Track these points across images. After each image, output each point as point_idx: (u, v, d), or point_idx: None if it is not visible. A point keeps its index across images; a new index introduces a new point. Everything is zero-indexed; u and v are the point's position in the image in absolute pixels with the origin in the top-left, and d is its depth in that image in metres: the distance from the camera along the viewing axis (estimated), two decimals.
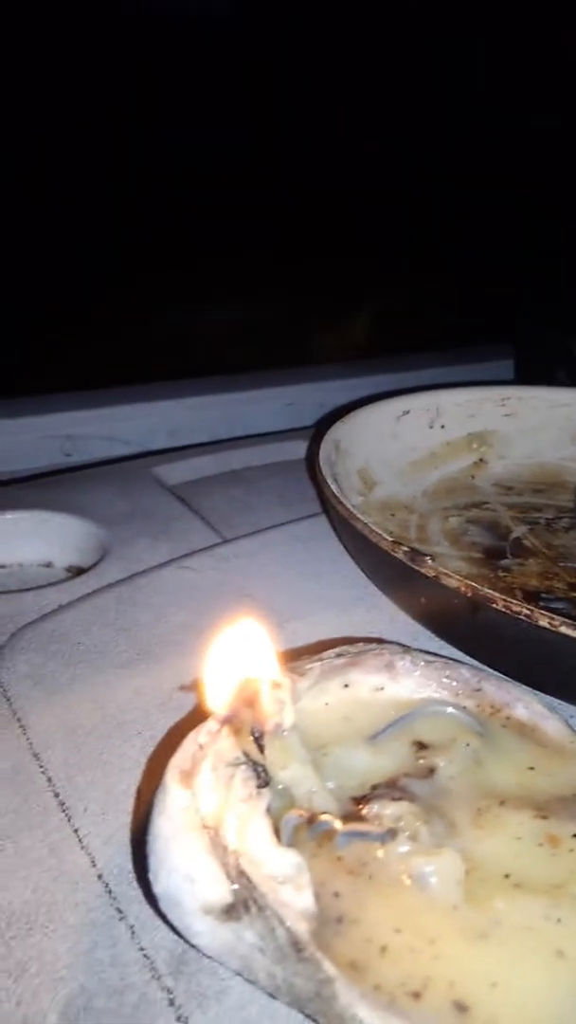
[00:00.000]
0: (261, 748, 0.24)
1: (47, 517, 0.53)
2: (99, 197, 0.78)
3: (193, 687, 0.26)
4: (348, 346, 0.92)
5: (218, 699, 0.24)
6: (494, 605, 0.35)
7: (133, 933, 0.28)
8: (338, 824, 0.23)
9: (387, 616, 0.44)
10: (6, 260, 0.72)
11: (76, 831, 0.31)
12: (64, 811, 0.32)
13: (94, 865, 0.30)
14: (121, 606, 0.44)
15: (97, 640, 0.42)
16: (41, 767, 0.34)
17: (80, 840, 0.31)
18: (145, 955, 0.27)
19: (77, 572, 0.50)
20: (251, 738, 0.24)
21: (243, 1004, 0.26)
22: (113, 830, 0.31)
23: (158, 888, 0.23)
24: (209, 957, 0.24)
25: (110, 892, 0.29)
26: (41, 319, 0.77)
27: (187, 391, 0.78)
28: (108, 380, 0.77)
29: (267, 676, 0.25)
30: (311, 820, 0.23)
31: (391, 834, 0.23)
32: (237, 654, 0.26)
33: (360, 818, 0.25)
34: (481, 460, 0.60)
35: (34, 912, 0.28)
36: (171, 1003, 0.26)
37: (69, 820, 0.32)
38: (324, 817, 0.23)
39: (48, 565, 0.53)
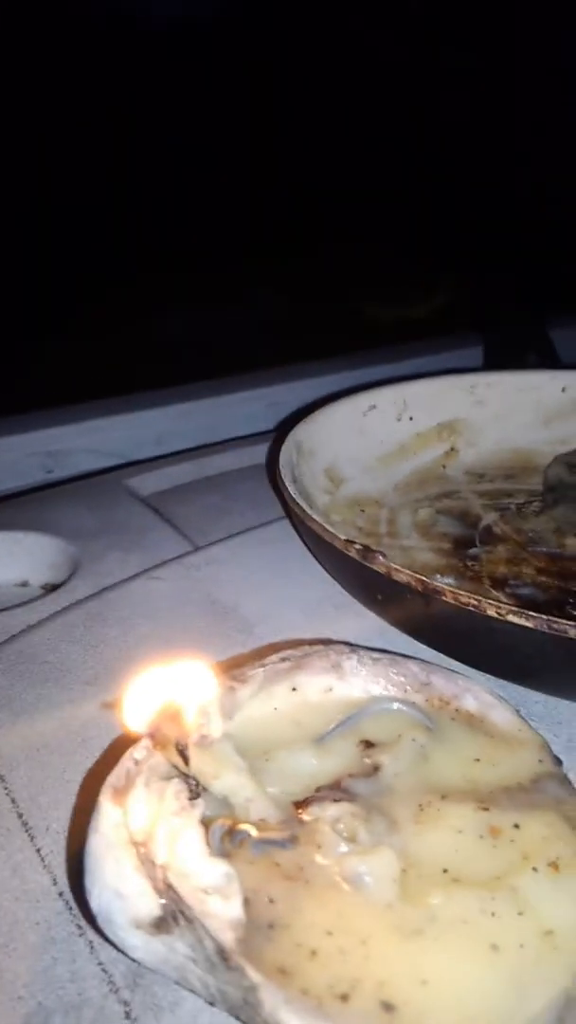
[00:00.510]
0: (186, 760, 0.24)
1: (20, 537, 0.53)
2: (89, 210, 0.78)
3: (115, 706, 0.26)
4: (328, 343, 0.92)
5: (138, 717, 0.25)
6: (443, 597, 0.35)
7: (92, 948, 0.28)
8: (254, 832, 0.23)
9: (353, 613, 0.44)
10: None
11: (39, 851, 0.32)
12: (27, 831, 0.33)
13: (55, 883, 0.30)
14: (89, 622, 0.45)
15: (64, 657, 0.42)
16: (5, 788, 0.34)
17: (42, 859, 0.31)
18: (103, 969, 0.28)
19: (52, 589, 0.51)
20: (177, 752, 0.24)
21: (195, 1014, 0.26)
22: (74, 848, 0.32)
23: (93, 905, 0.24)
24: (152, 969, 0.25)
25: (70, 909, 0.30)
26: (18, 334, 0.77)
27: (165, 399, 0.78)
28: (85, 393, 0.77)
29: (190, 688, 0.25)
30: (231, 830, 0.23)
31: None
32: (162, 673, 0.26)
33: (300, 822, 0.26)
34: (452, 449, 0.60)
35: None
36: (127, 1015, 0.26)
37: (32, 840, 0.32)
38: (242, 826, 0.23)
39: (24, 584, 0.53)
